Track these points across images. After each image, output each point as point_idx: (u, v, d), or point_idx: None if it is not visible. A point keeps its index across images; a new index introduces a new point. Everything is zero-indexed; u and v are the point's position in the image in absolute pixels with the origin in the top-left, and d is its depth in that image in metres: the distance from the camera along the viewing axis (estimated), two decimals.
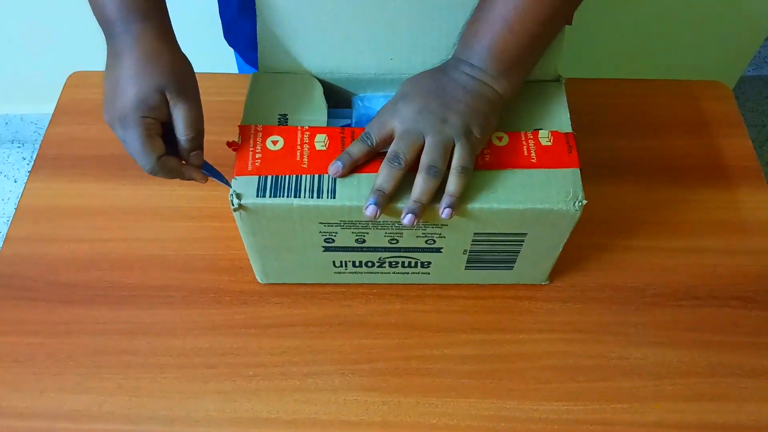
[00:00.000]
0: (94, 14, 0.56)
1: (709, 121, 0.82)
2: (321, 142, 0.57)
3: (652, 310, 0.68)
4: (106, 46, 0.55)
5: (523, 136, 0.59)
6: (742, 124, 0.82)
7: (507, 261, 0.64)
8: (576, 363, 0.64)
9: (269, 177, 0.56)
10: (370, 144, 0.55)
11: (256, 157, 0.57)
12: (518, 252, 0.62)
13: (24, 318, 0.66)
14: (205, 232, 0.72)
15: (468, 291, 0.68)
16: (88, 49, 1.43)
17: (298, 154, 0.57)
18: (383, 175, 0.54)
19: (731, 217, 0.74)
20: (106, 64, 0.55)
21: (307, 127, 0.58)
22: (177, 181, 0.74)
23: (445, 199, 0.54)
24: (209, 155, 0.77)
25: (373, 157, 0.56)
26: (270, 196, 0.55)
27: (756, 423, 0.61)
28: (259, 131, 0.58)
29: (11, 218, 0.73)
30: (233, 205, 0.55)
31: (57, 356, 0.64)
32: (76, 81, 0.85)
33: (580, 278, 0.69)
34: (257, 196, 0.55)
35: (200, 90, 0.84)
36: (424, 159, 0.54)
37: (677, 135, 0.81)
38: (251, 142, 0.58)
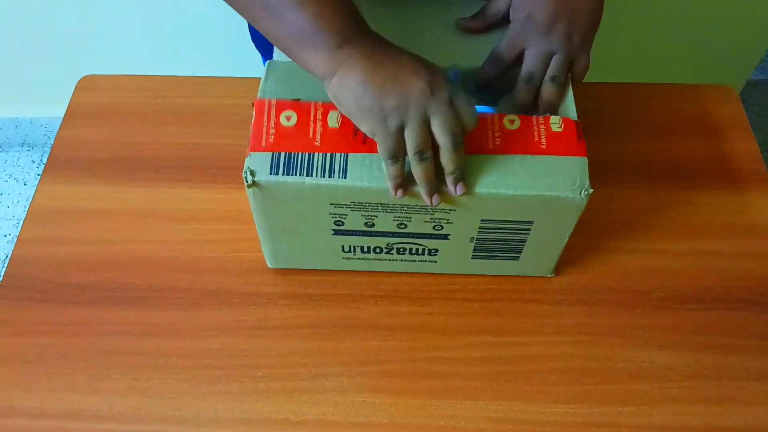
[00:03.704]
0: (290, 29, 0.54)
1: (716, 124, 0.82)
2: (334, 119, 0.57)
3: (659, 312, 0.68)
4: (320, 54, 0.53)
5: (534, 120, 0.59)
6: (748, 128, 0.82)
7: (513, 250, 0.64)
8: (582, 365, 0.64)
9: (282, 154, 0.56)
10: (501, 69, 0.62)
11: (270, 132, 0.57)
12: (525, 241, 0.63)
13: (34, 319, 0.67)
14: (213, 235, 0.72)
15: (475, 294, 0.69)
16: (99, 52, 1.45)
17: (311, 131, 0.57)
18: (523, 94, 0.62)
19: (738, 220, 0.74)
20: (363, 67, 0.52)
21: (321, 103, 0.58)
22: (185, 184, 0.76)
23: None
24: (218, 157, 0.78)
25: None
26: (283, 174, 0.56)
27: (763, 426, 0.61)
28: (273, 105, 0.58)
29: (21, 220, 0.74)
30: (247, 182, 0.56)
31: (67, 357, 0.64)
32: (87, 84, 0.86)
33: (586, 281, 0.70)
34: (270, 174, 0.56)
35: (211, 94, 0.85)
36: (550, 71, 0.61)
37: (684, 138, 0.81)
38: (265, 117, 0.58)
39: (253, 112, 0.58)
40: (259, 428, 0.61)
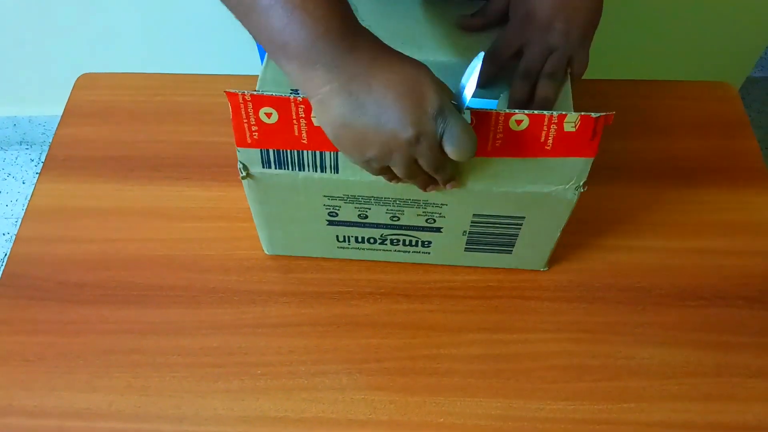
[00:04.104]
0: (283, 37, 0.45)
1: (716, 121, 0.82)
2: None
3: (659, 310, 0.68)
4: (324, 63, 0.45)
5: (546, 119, 0.53)
6: (748, 125, 0.82)
7: (506, 244, 0.65)
8: (582, 363, 0.64)
9: (271, 150, 0.56)
10: (498, 66, 0.61)
11: (253, 129, 0.54)
12: (517, 235, 0.63)
13: (34, 317, 0.66)
14: (213, 233, 0.72)
15: (474, 291, 0.69)
16: (97, 51, 1.45)
17: (296, 129, 0.54)
18: (518, 89, 0.60)
19: (737, 217, 0.74)
20: (341, 107, 0.46)
21: (300, 99, 0.51)
22: (184, 182, 0.75)
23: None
24: (217, 155, 0.78)
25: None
26: (275, 168, 0.57)
27: (763, 423, 0.61)
28: (249, 101, 0.52)
29: (20, 219, 0.74)
30: (241, 173, 0.57)
31: (67, 355, 0.64)
32: (86, 83, 0.85)
33: (586, 278, 0.70)
34: (263, 167, 0.57)
35: (210, 92, 0.85)
36: (547, 67, 0.59)
37: (683, 136, 0.81)
38: (243, 113, 0.53)
39: (230, 106, 0.54)
40: (259, 426, 0.61)
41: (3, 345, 0.65)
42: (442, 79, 0.64)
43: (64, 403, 0.62)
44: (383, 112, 0.45)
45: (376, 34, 0.56)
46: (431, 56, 0.63)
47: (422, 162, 0.50)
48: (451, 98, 0.49)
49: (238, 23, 0.48)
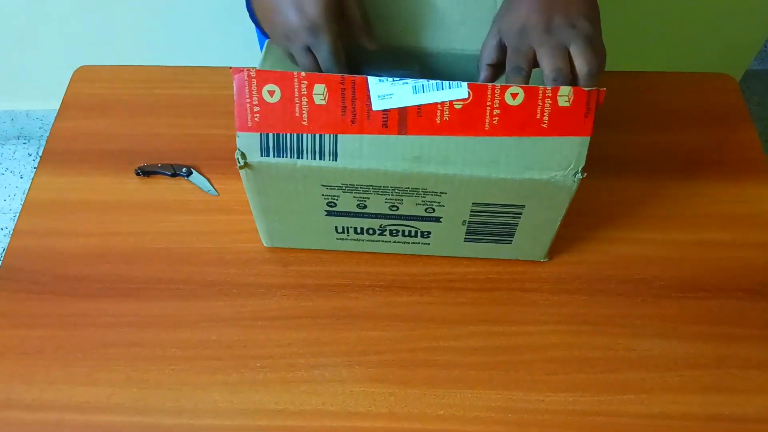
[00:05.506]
0: None
1: (716, 113, 0.82)
2: (320, 95, 0.55)
3: (659, 302, 0.68)
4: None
5: (540, 93, 0.54)
6: (748, 117, 0.82)
7: (506, 234, 0.65)
8: (583, 355, 0.64)
9: (271, 135, 0.56)
10: (525, 75, 0.55)
11: (255, 111, 0.55)
12: (516, 225, 0.63)
13: (33, 311, 0.66)
14: (211, 226, 0.72)
15: (474, 283, 0.68)
16: (94, 44, 1.44)
17: (297, 108, 0.55)
18: None
19: (738, 210, 0.74)
20: None
21: (304, 74, 0.55)
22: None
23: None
24: (216, 148, 0.78)
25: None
26: (273, 156, 0.56)
27: (763, 415, 0.61)
28: (253, 78, 0.55)
29: (18, 214, 0.74)
30: (239, 163, 0.56)
31: (66, 349, 0.64)
32: (83, 75, 0.85)
33: (587, 270, 0.70)
34: (261, 155, 0.56)
35: (208, 84, 0.85)
36: (580, 67, 0.55)
37: (684, 128, 0.81)
38: (246, 91, 0.55)
39: (234, 85, 0.55)
40: (258, 419, 0.61)
41: (2, 339, 0.65)
42: (437, 69, 0.64)
43: (63, 397, 0.61)
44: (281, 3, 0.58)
45: (375, 17, 0.61)
46: (428, 44, 0.63)
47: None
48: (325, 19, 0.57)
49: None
